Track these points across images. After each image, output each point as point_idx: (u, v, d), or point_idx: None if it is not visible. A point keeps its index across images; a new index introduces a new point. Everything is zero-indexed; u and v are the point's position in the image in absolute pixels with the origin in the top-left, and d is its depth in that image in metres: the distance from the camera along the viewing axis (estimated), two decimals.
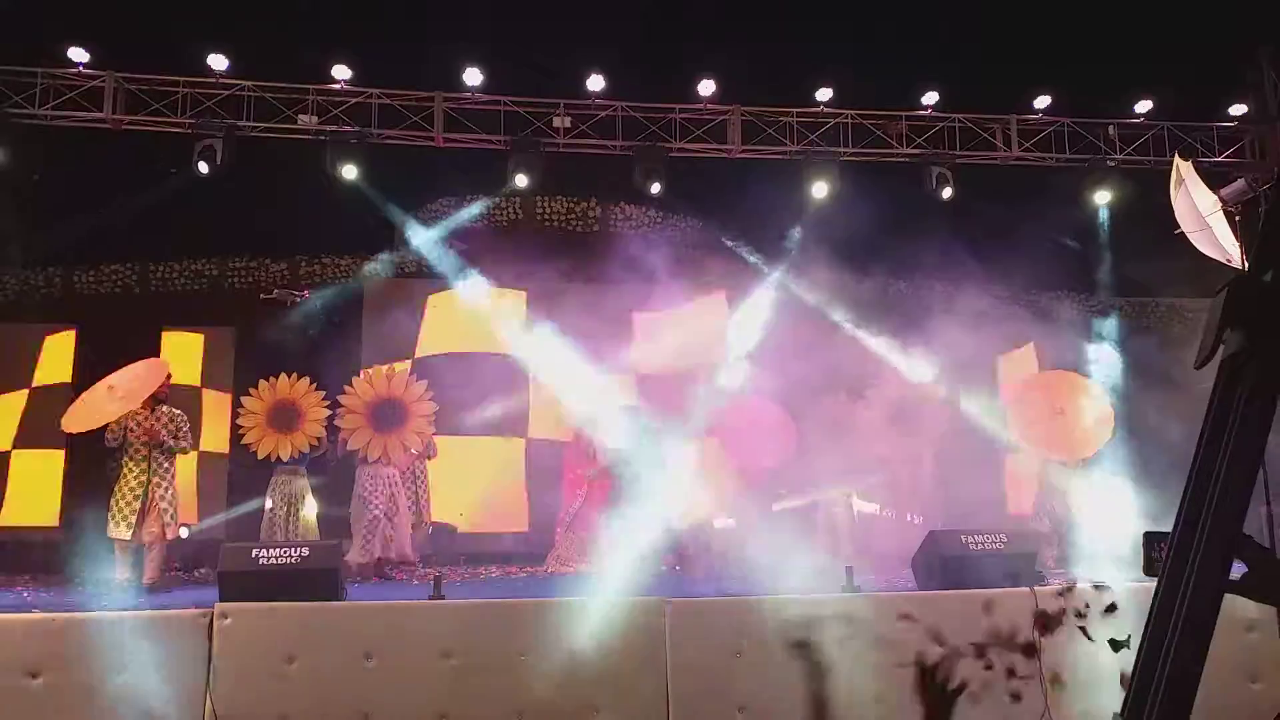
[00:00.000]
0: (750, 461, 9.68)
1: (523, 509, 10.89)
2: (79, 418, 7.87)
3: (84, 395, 8.08)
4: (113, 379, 7.99)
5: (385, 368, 9.12)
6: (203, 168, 9.55)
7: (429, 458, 9.66)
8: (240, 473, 9.33)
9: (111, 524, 7.70)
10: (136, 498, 7.69)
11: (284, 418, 8.64)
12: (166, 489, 7.78)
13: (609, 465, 9.21)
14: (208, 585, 7.88)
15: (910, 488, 9.52)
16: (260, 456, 8.62)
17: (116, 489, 7.78)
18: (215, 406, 10.63)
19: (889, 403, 9.56)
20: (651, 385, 10.66)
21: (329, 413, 8.70)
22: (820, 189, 10.43)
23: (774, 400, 9.88)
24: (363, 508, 8.58)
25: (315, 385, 8.80)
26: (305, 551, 6.09)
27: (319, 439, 8.73)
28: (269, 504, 8.73)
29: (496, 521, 10.60)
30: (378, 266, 11.32)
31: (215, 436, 10.45)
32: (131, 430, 7.73)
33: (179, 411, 8.00)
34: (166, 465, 7.83)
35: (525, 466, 10.99)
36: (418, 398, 8.78)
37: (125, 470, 7.77)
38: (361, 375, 9.00)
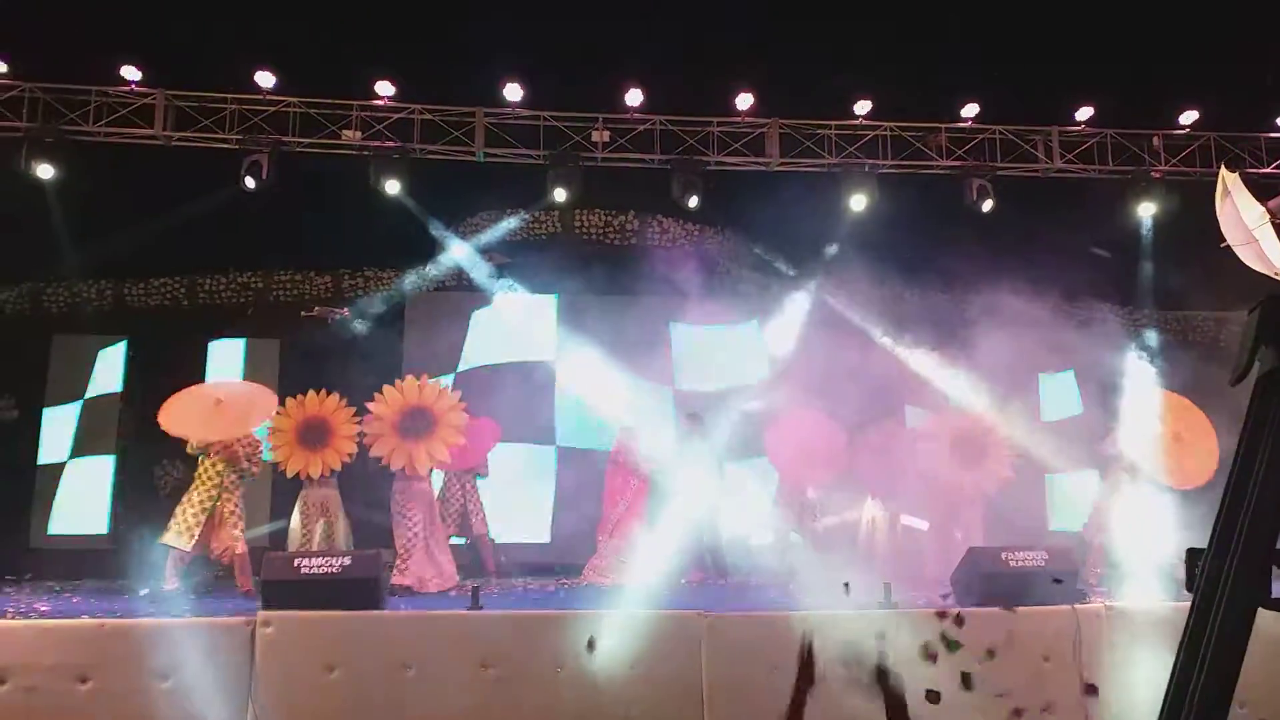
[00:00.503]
0: (801, 477, 9.65)
1: (545, 519, 10.94)
2: (180, 419, 8.04)
3: (186, 396, 8.22)
4: (223, 393, 8.30)
5: (421, 379, 8.97)
6: (249, 183, 9.73)
7: (481, 475, 9.74)
8: (285, 483, 9.43)
9: (172, 533, 7.96)
10: (204, 510, 8.04)
11: (313, 435, 8.60)
12: (236, 505, 8.15)
13: (650, 475, 9.23)
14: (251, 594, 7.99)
15: (955, 505, 9.40)
16: (290, 475, 8.63)
17: (185, 499, 8.09)
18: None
19: (951, 434, 9.36)
20: (689, 400, 10.69)
21: (360, 429, 8.61)
22: (859, 202, 10.40)
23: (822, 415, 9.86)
24: (401, 527, 8.55)
25: (347, 401, 8.78)
26: (346, 561, 6.17)
27: (350, 455, 8.66)
28: (295, 521, 8.68)
29: (520, 531, 10.63)
30: (420, 279, 11.44)
31: None
32: (213, 445, 8.09)
33: (257, 438, 8.34)
34: (235, 482, 8.20)
35: (555, 475, 11.03)
36: (449, 408, 8.63)
37: (198, 482, 8.14)
38: (395, 385, 8.97)
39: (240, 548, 8.10)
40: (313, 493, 8.71)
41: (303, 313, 11.05)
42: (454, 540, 9.39)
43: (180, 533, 7.95)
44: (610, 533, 9.20)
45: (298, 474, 8.61)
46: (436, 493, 9.69)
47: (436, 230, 11.12)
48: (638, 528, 9.12)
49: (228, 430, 8.05)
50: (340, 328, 10.73)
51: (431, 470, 8.77)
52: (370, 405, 8.59)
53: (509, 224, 11.47)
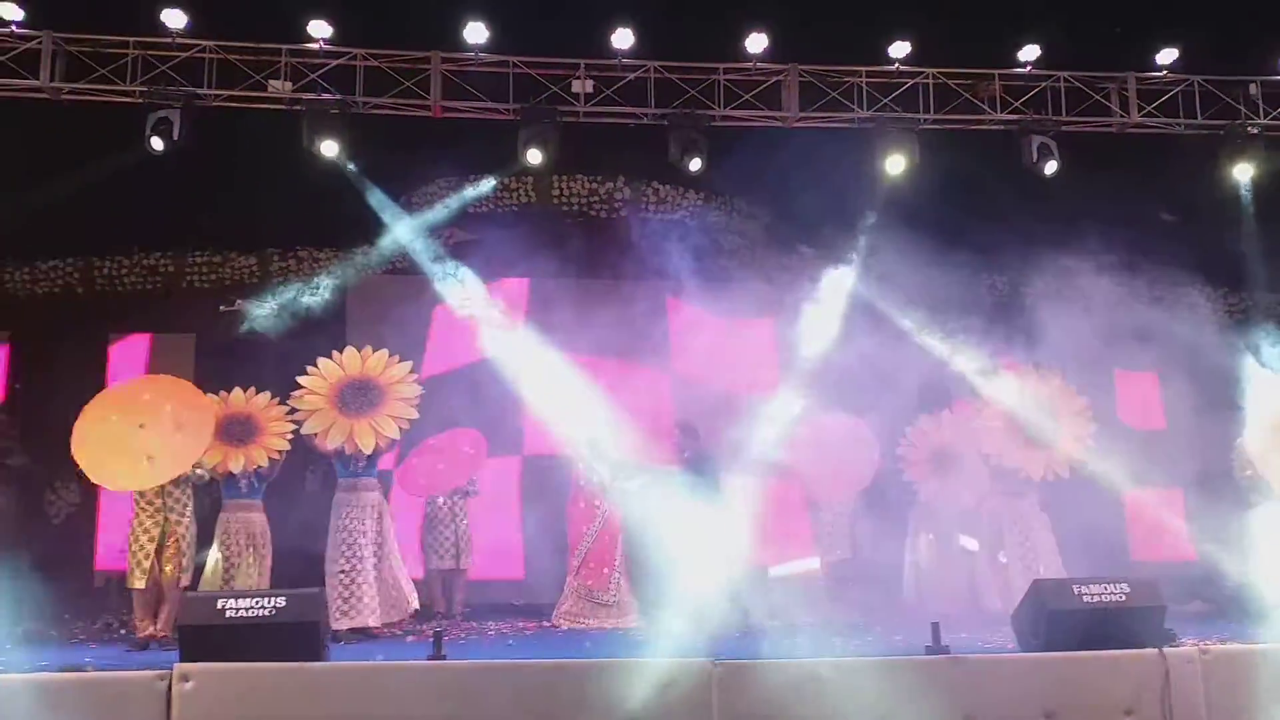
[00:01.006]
0: (826, 492, 9.71)
1: (518, 549, 10.97)
2: (106, 470, 8.03)
3: (97, 429, 8.00)
4: (142, 413, 8.11)
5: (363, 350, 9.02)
6: (156, 144, 9.66)
7: (469, 494, 9.83)
8: (203, 508, 9.40)
9: (132, 575, 8.11)
10: (152, 540, 8.11)
11: (237, 430, 8.65)
12: (189, 525, 8.26)
13: (623, 498, 9.27)
14: (106, 643, 8.14)
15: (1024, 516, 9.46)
16: (208, 465, 8.56)
17: (131, 535, 8.19)
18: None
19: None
20: (691, 400, 10.69)
21: (294, 428, 8.68)
22: (896, 164, 10.39)
23: (848, 416, 9.89)
24: (343, 550, 8.52)
25: (280, 401, 8.83)
26: (281, 602, 6.12)
27: (280, 454, 8.69)
28: (215, 553, 8.64)
29: (489, 565, 10.63)
30: (365, 262, 11.41)
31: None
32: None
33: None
34: (182, 499, 8.28)
35: (519, 493, 11.04)
36: (398, 379, 8.74)
37: (138, 510, 8.21)
38: (333, 356, 8.94)
39: (184, 580, 8.15)
40: (235, 517, 8.67)
41: (221, 306, 11.00)
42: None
43: (134, 572, 8.09)
44: (577, 571, 9.30)
45: (218, 496, 8.68)
46: (425, 520, 9.77)
47: (384, 201, 11.07)
48: (617, 559, 9.23)
49: (198, 441, 8.09)
50: (266, 321, 10.67)
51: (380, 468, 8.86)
52: (302, 379, 8.60)
53: (472, 193, 11.44)
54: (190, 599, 6.32)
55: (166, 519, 8.17)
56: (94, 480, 8.18)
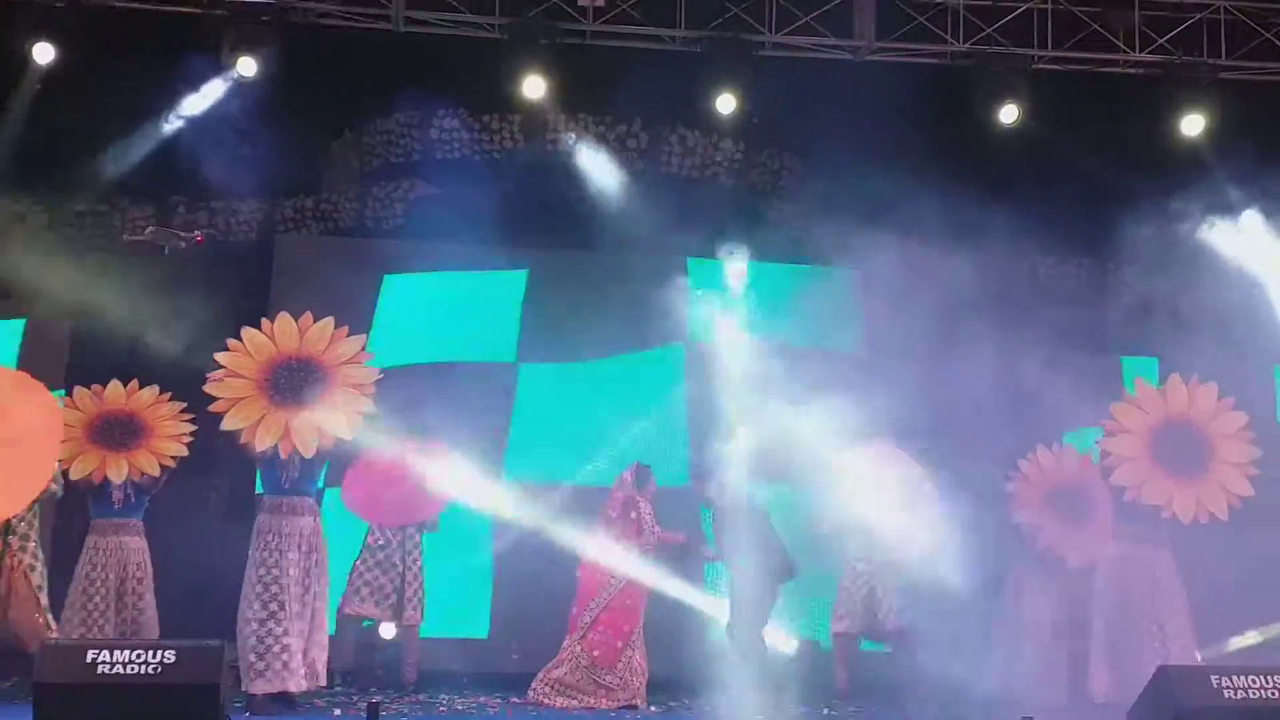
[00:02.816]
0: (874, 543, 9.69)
1: (483, 599, 10.96)
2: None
3: None
4: None
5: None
6: (42, 54, 9.69)
7: (425, 528, 9.85)
8: (71, 522, 9.41)
9: None
10: None
11: (115, 433, 8.70)
12: (34, 556, 8.32)
13: (661, 536, 9.39)
14: (18, 703, 7.96)
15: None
16: (75, 476, 8.56)
17: None
18: None
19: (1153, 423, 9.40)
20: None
21: (193, 429, 8.70)
22: (1007, 114, 10.37)
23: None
24: (257, 592, 8.49)
25: (171, 397, 8.89)
26: (170, 656, 6.12)
27: (175, 459, 8.74)
28: (78, 585, 8.71)
29: (441, 618, 10.63)
30: (297, 216, 11.42)
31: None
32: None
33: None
34: (27, 521, 8.29)
35: (493, 528, 11.04)
36: (347, 358, 8.53)
37: None
38: (263, 326, 8.73)
39: (51, 630, 8.18)
40: (106, 540, 8.74)
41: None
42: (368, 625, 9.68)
43: None
44: (585, 632, 9.26)
45: (85, 504, 8.74)
46: (360, 556, 9.73)
47: (324, 140, 11.08)
48: (637, 623, 9.22)
49: (46, 441, 7.86)
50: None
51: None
52: (220, 357, 8.46)
53: (442, 132, 11.48)
54: (50, 649, 6.29)
55: (3, 551, 8.03)
56: None
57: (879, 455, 9.88)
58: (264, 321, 8.63)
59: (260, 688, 8.14)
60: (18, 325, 11.02)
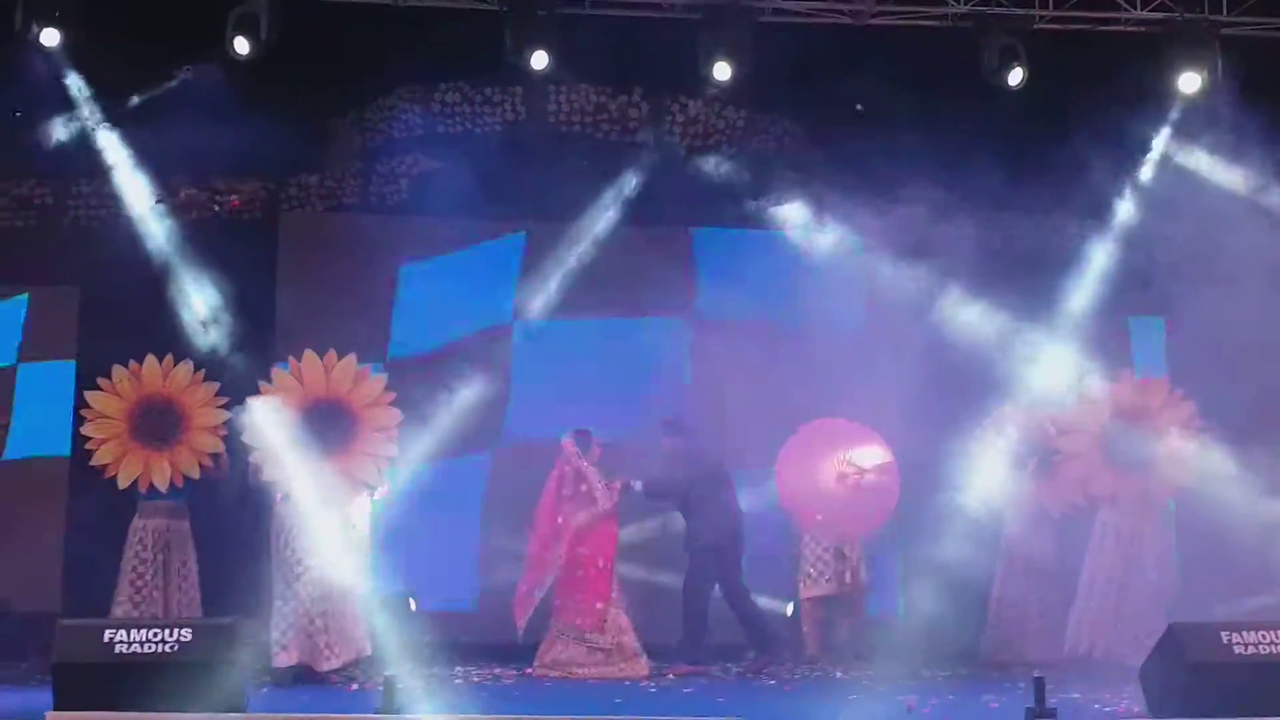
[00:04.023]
0: (845, 525, 9.97)
1: (470, 572, 11.04)
2: None
3: None
4: None
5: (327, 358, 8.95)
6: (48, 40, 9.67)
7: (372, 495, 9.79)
8: (88, 498, 9.46)
9: None
10: None
11: (156, 425, 8.76)
12: None
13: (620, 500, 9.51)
14: (34, 685, 8.06)
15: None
16: (122, 485, 8.75)
17: None
18: (44, 390, 10.85)
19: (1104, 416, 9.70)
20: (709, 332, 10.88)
21: (228, 416, 8.76)
22: (1014, 75, 10.35)
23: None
24: (284, 576, 8.58)
25: (206, 375, 8.95)
26: (187, 634, 6.18)
27: (216, 456, 8.83)
28: (131, 562, 8.86)
29: (439, 591, 10.78)
30: (300, 194, 11.47)
31: (45, 437, 10.65)
32: None
33: None
34: None
35: (483, 497, 11.14)
36: (373, 400, 8.72)
37: None
38: (290, 366, 8.94)
39: None
40: (153, 523, 8.89)
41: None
42: None
43: None
44: (561, 605, 9.42)
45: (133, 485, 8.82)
46: None
47: (327, 117, 11.07)
48: (604, 592, 9.32)
49: None
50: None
51: None
52: (254, 402, 8.65)
53: (443, 107, 11.48)
54: (67, 628, 6.37)
55: None
56: None
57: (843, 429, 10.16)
58: (291, 361, 8.87)
59: (282, 660, 8.25)
60: (21, 300, 11.14)
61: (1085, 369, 10.07)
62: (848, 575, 9.95)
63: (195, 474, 8.88)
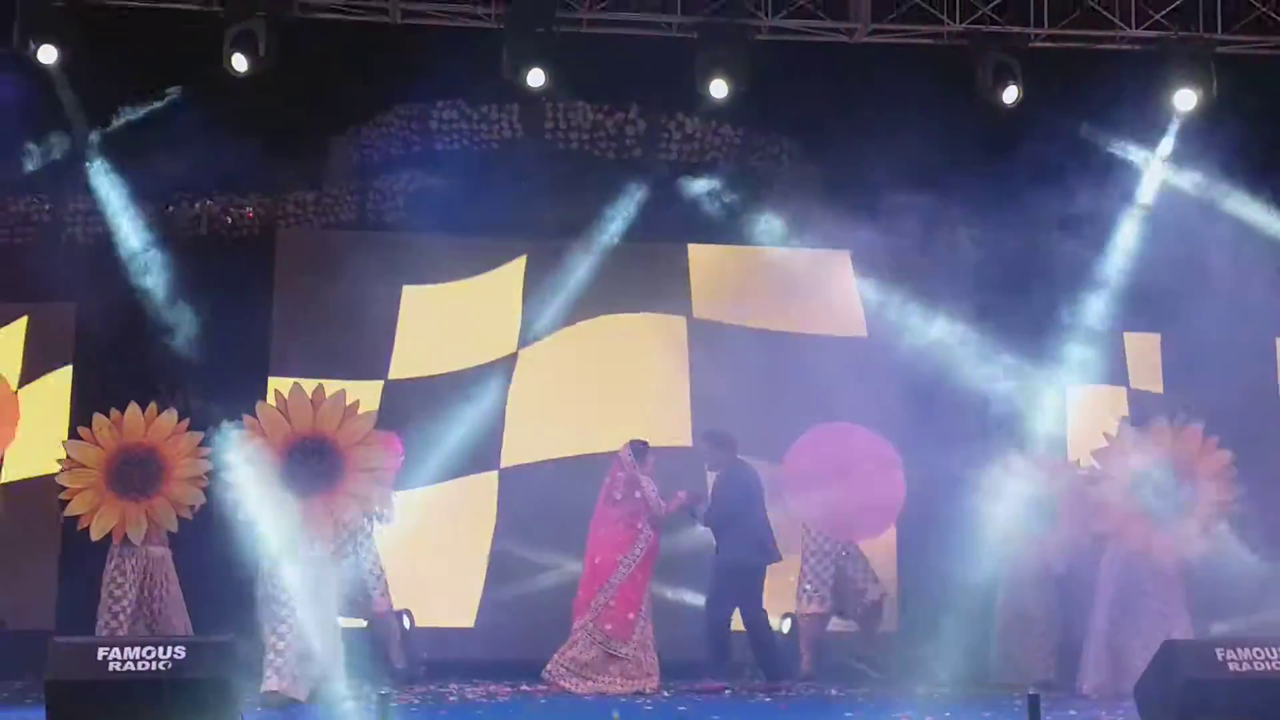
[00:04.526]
0: (843, 530, 9.98)
1: (475, 587, 11.01)
2: None
3: None
4: None
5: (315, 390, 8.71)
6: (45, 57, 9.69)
7: (381, 518, 9.75)
8: (80, 539, 9.46)
9: None
10: None
11: (135, 475, 8.79)
12: None
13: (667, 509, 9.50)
14: (29, 704, 8.04)
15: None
16: (96, 537, 8.78)
17: None
18: (41, 410, 10.76)
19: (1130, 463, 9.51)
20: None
21: (208, 467, 8.69)
22: (1008, 94, 10.37)
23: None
24: (272, 610, 8.54)
25: (190, 424, 8.93)
26: (181, 652, 6.17)
27: (193, 508, 8.87)
28: (108, 588, 8.88)
29: (440, 608, 10.75)
30: (300, 213, 11.46)
31: (42, 457, 10.48)
32: None
33: None
34: None
35: (483, 516, 11.14)
36: (359, 439, 8.50)
37: None
38: (272, 397, 8.83)
39: None
40: (130, 549, 8.88)
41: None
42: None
43: None
44: (599, 610, 9.34)
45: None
46: None
47: (325, 134, 11.08)
48: (639, 604, 9.32)
49: None
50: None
51: None
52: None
53: (440, 124, 11.49)
54: (60, 646, 6.34)
55: None
56: None
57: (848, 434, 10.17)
58: (276, 393, 8.80)
59: (272, 685, 8.21)
60: (19, 324, 11.12)
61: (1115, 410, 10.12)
62: (857, 606, 10.05)
63: (174, 527, 8.86)
